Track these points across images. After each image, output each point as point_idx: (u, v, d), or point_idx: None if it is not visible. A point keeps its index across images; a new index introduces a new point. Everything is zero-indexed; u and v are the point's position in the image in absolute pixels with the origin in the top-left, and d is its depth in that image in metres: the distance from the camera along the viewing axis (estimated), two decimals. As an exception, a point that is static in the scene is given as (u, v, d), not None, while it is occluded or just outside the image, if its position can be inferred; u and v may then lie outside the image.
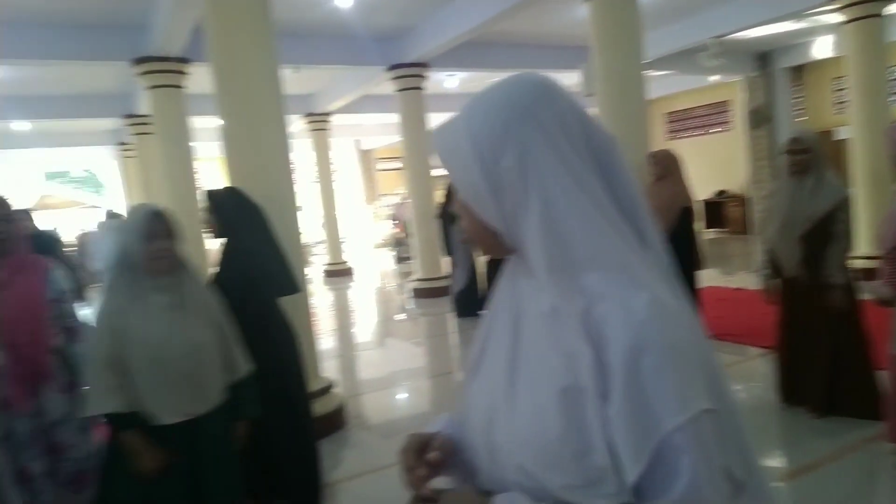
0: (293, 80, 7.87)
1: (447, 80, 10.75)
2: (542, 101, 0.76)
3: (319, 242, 14.91)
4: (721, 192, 13.28)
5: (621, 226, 0.75)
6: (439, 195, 7.68)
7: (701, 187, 9.54)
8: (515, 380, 0.78)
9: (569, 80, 7.14)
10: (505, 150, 0.74)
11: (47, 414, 2.29)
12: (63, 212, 18.24)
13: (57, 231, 14.05)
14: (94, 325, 1.97)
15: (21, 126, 11.71)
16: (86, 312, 2.48)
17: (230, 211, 2.75)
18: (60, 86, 9.52)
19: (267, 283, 2.69)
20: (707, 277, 5.29)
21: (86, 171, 19.21)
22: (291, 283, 2.91)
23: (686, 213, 4.10)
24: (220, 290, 2.63)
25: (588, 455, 0.70)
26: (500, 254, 0.84)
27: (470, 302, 7.09)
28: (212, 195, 2.84)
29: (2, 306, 2.15)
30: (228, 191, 3.03)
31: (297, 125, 11.79)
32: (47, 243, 5.41)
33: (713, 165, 13.00)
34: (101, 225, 10.83)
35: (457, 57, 8.63)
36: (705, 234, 11.28)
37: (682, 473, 0.67)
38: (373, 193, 19.90)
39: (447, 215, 7.08)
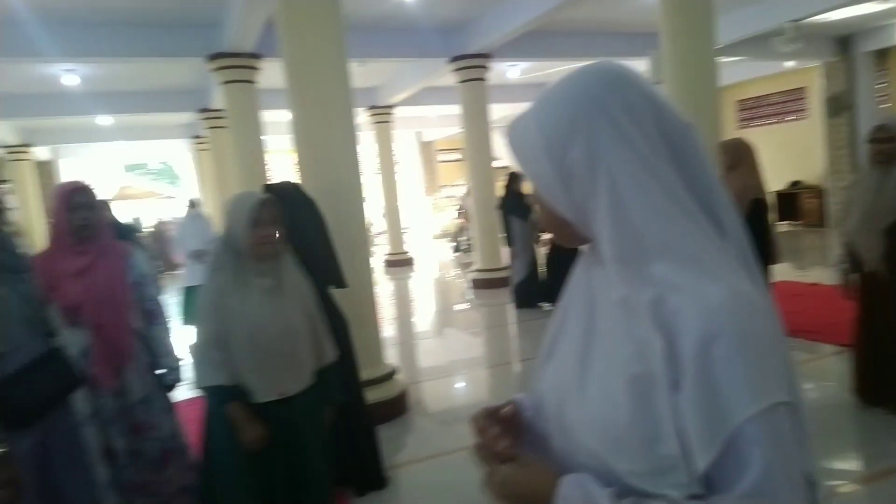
0: (358, 73, 7.99)
1: (509, 71, 10.68)
2: (610, 91, 0.76)
3: (380, 233, 15.18)
4: (796, 183, 12.68)
5: (696, 214, 0.74)
6: (500, 186, 7.66)
7: (774, 178, 9.16)
8: (587, 366, 0.79)
9: (636, 68, 6.97)
10: (573, 142, 0.75)
11: (131, 393, 2.37)
12: (141, 202, 19.23)
13: (138, 221, 14.91)
14: (200, 304, 2.05)
15: (104, 121, 12.43)
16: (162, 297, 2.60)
17: (286, 204, 2.88)
18: (140, 82, 10.06)
19: (319, 275, 2.78)
20: (780, 272, 5.10)
21: (162, 163, 20.22)
22: (339, 277, 3.02)
23: (758, 206, 3.96)
24: None
25: (657, 443, 0.70)
26: (575, 243, 0.85)
27: (529, 293, 7.07)
28: (270, 189, 2.96)
29: (87, 289, 2.25)
30: (285, 185, 3.15)
31: (360, 118, 12.02)
32: (124, 233, 5.76)
33: (787, 155, 12.42)
34: (184, 214, 11.30)
35: (519, 47, 8.56)
36: (778, 227, 10.82)
37: (753, 466, 0.66)
38: (433, 185, 20.06)
39: (508, 206, 7.07)
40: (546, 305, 7.04)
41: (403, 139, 18.06)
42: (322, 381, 2.16)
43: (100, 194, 2.43)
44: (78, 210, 2.27)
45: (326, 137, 3.87)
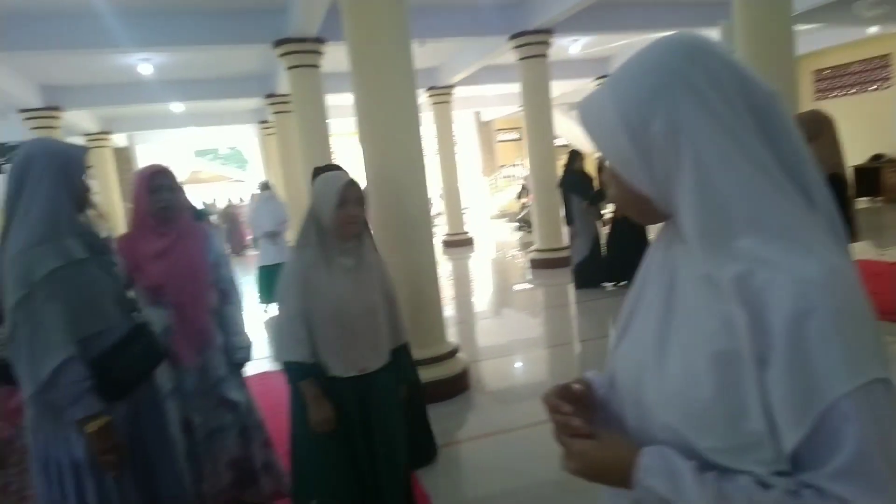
0: (418, 54, 8.02)
1: (571, 46, 10.46)
2: (691, 61, 0.73)
3: (438, 214, 15.27)
4: (877, 157, 11.93)
5: (785, 186, 0.72)
6: (560, 164, 7.56)
7: (854, 152, 8.65)
8: (666, 343, 0.79)
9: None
10: (654, 115, 0.73)
11: (211, 370, 2.44)
12: (211, 186, 20.02)
13: (212, 205, 15.55)
14: (285, 280, 2.08)
15: (176, 107, 12.97)
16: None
17: None
18: (210, 69, 10.42)
19: None
20: (860, 250, 4.85)
21: (231, 148, 20.94)
22: None
23: (836, 181, 3.77)
24: None
25: (742, 419, 0.69)
26: (653, 220, 0.84)
27: (590, 273, 7.00)
28: (315, 172, 3.07)
29: (168, 270, 2.30)
30: (333, 167, 3.24)
31: (420, 99, 12.04)
32: (197, 217, 6.01)
33: (869, 127, 11.68)
34: (255, 196, 11.67)
35: (581, 21, 8.35)
36: (858, 204, 10.23)
37: (847, 443, 0.64)
38: (491, 165, 19.96)
39: (568, 184, 6.98)
40: (608, 285, 6.96)
41: (462, 119, 18.02)
42: (397, 359, 2.20)
43: (173, 174, 2.46)
44: (158, 192, 2.32)
45: (389, 119, 3.93)
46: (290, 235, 6.87)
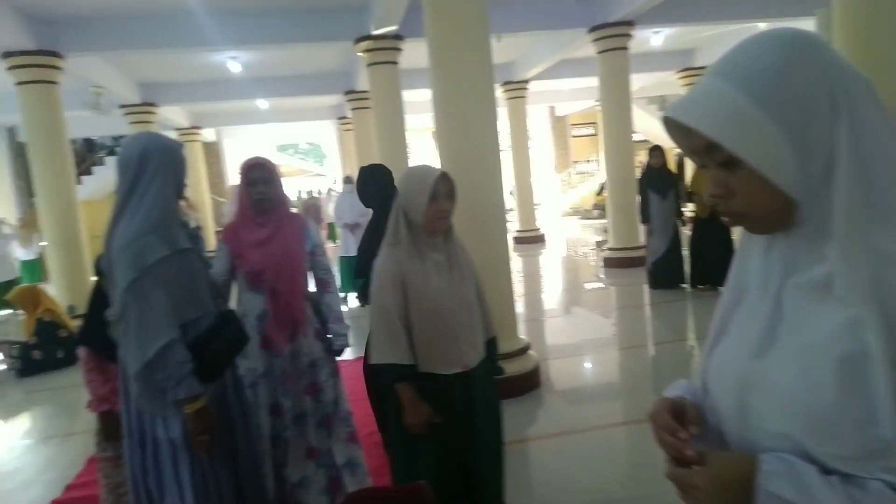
0: (494, 48, 8.03)
1: (653, 38, 10.15)
2: (825, 50, 0.71)
3: (509, 210, 15.18)
4: None
5: None
6: (639, 160, 7.36)
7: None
8: (774, 348, 0.76)
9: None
10: (814, 108, 0.69)
11: (302, 356, 2.48)
12: (291, 179, 20.72)
13: (300, 197, 16.07)
14: (379, 277, 2.02)
15: (261, 104, 13.53)
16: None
17: (371, 187, 3.06)
18: (293, 67, 10.81)
19: None
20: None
21: (310, 143, 21.60)
22: None
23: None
24: (361, 257, 2.87)
25: (871, 425, 0.66)
26: (773, 228, 0.78)
27: (666, 273, 6.79)
28: (364, 171, 3.14)
29: (267, 258, 2.38)
30: (378, 167, 3.28)
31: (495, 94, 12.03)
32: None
33: None
34: (339, 189, 11.99)
35: (664, 12, 8.09)
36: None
37: None
38: (565, 160, 19.66)
39: (647, 181, 6.78)
40: (687, 287, 6.73)
41: (535, 114, 17.84)
42: (489, 353, 2.17)
43: (277, 170, 2.51)
44: (255, 185, 2.41)
45: (467, 114, 3.96)
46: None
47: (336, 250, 7.88)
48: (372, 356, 2.05)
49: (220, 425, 1.93)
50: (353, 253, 6.92)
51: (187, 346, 1.83)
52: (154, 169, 1.86)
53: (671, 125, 0.79)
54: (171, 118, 13.02)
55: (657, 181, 6.67)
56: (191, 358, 1.82)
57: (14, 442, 4.29)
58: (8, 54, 6.82)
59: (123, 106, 10.90)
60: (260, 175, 2.42)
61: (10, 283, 7.61)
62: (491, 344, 2.19)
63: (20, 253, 10.28)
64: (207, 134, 16.22)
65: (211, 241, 12.77)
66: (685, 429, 0.82)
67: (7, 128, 13.98)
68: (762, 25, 10.77)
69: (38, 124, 7.15)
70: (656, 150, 6.77)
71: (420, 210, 1.95)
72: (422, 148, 19.59)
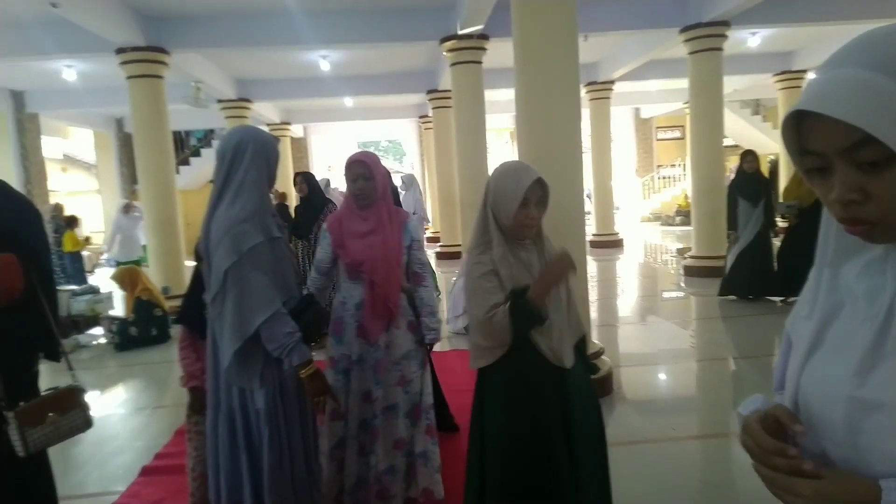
0: (579, 48, 7.95)
1: (750, 39, 9.68)
2: None
3: (587, 213, 14.90)
4: None
5: None
6: (729, 166, 7.04)
7: None
8: (888, 363, 0.72)
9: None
10: None
11: (395, 347, 2.53)
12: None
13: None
14: (472, 279, 1.95)
15: (347, 102, 13.93)
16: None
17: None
18: (379, 66, 11.07)
19: None
20: None
21: (390, 140, 22.08)
22: None
23: None
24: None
25: None
26: None
27: (742, 282, 6.51)
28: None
29: (366, 250, 2.46)
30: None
31: (577, 94, 11.86)
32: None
33: None
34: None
35: (762, 12, 7.72)
36: None
37: None
38: (648, 164, 19.09)
39: (737, 187, 6.46)
40: (777, 300, 6.39)
41: (619, 116, 17.43)
42: (581, 353, 2.11)
43: (380, 166, 2.55)
44: (356, 181, 2.48)
45: (550, 115, 3.92)
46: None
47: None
48: (472, 363, 1.99)
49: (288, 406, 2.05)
50: None
51: None
52: (249, 160, 1.97)
53: (788, 125, 0.74)
54: (263, 114, 13.64)
55: (749, 187, 6.34)
56: (297, 328, 1.94)
57: (110, 411, 4.63)
58: (120, 50, 7.37)
59: (220, 101, 11.52)
60: (360, 171, 2.48)
61: (136, 263, 8.20)
62: (581, 343, 2.13)
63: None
64: (296, 130, 16.87)
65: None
66: (788, 441, 0.78)
67: (116, 119, 15.08)
68: (866, 26, 10.01)
69: (145, 116, 7.69)
70: (749, 155, 6.44)
71: (508, 214, 1.87)
72: (499, 148, 19.57)
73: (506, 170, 1.96)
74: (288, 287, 2.04)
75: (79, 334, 6.52)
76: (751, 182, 6.36)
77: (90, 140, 15.79)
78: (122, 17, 6.92)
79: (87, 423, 2.09)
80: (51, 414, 1.93)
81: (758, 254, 6.43)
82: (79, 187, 19.33)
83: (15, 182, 11.00)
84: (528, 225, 1.89)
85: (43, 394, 2.01)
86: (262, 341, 1.92)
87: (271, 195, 2.37)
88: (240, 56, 9.49)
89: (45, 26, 7.24)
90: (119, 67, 7.59)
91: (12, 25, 7.31)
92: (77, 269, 9.80)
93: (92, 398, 5.01)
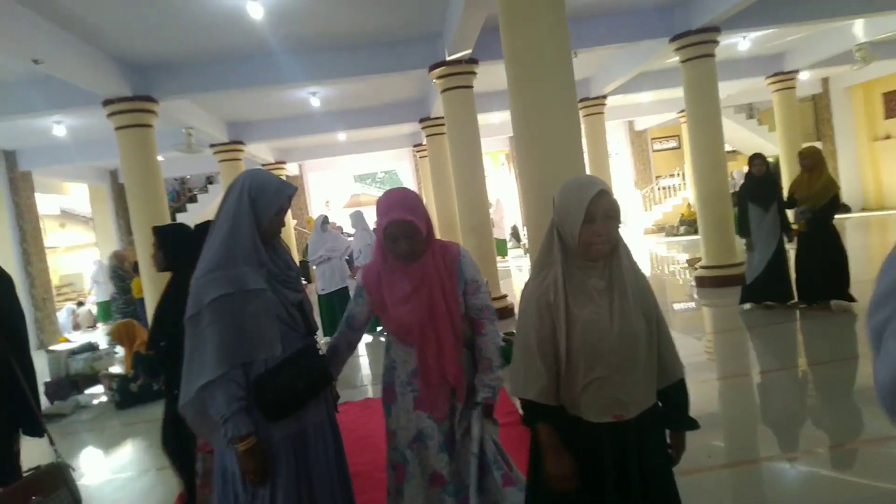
0: (570, 66, 7.91)
1: (741, 43, 9.63)
2: None
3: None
4: None
5: None
6: (729, 171, 6.87)
7: None
8: None
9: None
10: None
11: (457, 422, 2.15)
12: (371, 208, 21.22)
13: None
14: (525, 305, 1.76)
15: (340, 136, 13.90)
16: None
17: (176, 247, 2.75)
18: (369, 99, 11.05)
19: None
20: None
21: (385, 172, 22.09)
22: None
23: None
24: (157, 322, 2.60)
25: None
26: None
27: (764, 290, 6.29)
28: (160, 231, 2.83)
29: (412, 314, 2.06)
30: (176, 227, 2.98)
31: (570, 112, 11.81)
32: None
33: None
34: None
35: (752, 15, 7.67)
36: None
37: None
38: (646, 176, 19.00)
39: (747, 192, 6.28)
40: (800, 305, 6.17)
41: (613, 130, 17.40)
42: (667, 401, 1.80)
43: (421, 210, 2.06)
44: (397, 241, 2.02)
45: (549, 134, 3.79)
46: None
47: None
48: (512, 389, 1.79)
49: (300, 464, 1.86)
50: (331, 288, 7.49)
51: (252, 383, 1.79)
52: (234, 202, 1.83)
53: None
54: (257, 155, 13.60)
55: (759, 192, 6.14)
56: (243, 397, 1.76)
57: (113, 475, 4.41)
58: (108, 101, 7.30)
59: (213, 145, 11.47)
60: (401, 231, 2.00)
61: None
62: (673, 390, 1.80)
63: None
64: (291, 168, 16.84)
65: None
66: None
67: (110, 171, 15.06)
68: (858, 22, 10.00)
69: (135, 166, 7.59)
70: (757, 158, 6.23)
71: (573, 233, 1.66)
72: (495, 171, 19.54)
73: (569, 184, 1.76)
74: (267, 342, 1.83)
75: (79, 394, 6.31)
76: (761, 186, 6.16)
77: (86, 194, 15.77)
78: (107, 69, 6.85)
79: (75, 502, 1.91)
80: (34, 497, 1.74)
81: (783, 260, 6.22)
82: (77, 241, 19.29)
83: (10, 242, 10.90)
84: (595, 243, 1.66)
85: (25, 475, 1.81)
86: (206, 404, 1.78)
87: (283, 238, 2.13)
88: (229, 99, 9.45)
89: (32, 84, 7.21)
90: (107, 119, 7.52)
91: (-1, 85, 7.27)
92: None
93: (94, 461, 4.78)
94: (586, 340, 1.65)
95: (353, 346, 2.28)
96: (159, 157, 7.69)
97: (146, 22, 6.13)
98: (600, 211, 1.65)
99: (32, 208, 11.64)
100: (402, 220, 1.98)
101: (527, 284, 1.81)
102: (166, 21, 6.17)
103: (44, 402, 5.42)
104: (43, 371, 4.96)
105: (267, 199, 1.88)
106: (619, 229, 1.73)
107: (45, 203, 15.13)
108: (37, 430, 1.96)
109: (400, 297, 2.07)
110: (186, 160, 12.32)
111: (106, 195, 15.25)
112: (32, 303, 10.90)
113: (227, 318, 1.75)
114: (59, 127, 9.32)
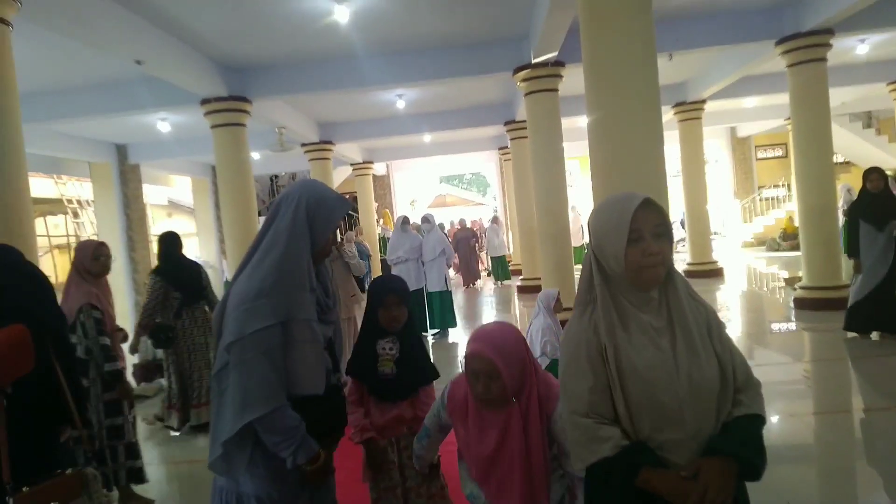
0: (664, 68, 7.49)
1: (858, 47, 8.80)
2: None
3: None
4: None
5: None
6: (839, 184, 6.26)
7: None
8: None
9: None
10: None
11: None
12: (455, 209, 21.30)
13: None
14: (566, 355, 1.47)
15: (426, 138, 14.02)
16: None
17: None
18: (455, 101, 11.05)
19: None
20: None
21: (473, 173, 22.07)
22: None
23: None
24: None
25: None
26: None
27: (868, 317, 5.70)
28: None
29: (493, 467, 1.79)
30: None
31: (666, 116, 11.27)
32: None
33: None
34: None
35: (870, 16, 6.97)
36: None
37: None
38: (747, 186, 17.84)
39: (859, 208, 5.69)
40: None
41: (713, 136, 16.48)
42: (727, 426, 1.41)
43: (510, 351, 1.71)
44: (478, 378, 1.72)
45: (626, 141, 3.57)
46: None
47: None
48: (574, 464, 1.47)
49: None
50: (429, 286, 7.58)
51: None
52: (290, 218, 1.64)
53: None
54: (346, 154, 13.96)
55: (873, 209, 5.52)
56: (298, 417, 1.66)
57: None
58: (205, 101, 7.70)
59: (304, 144, 11.88)
60: (481, 367, 1.69)
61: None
62: (746, 428, 1.39)
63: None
64: (378, 167, 17.18)
65: (376, 269, 13.32)
66: None
67: (211, 165, 15.96)
68: None
69: (228, 163, 7.98)
70: (874, 173, 5.59)
71: (617, 255, 1.36)
72: (585, 177, 19.01)
73: (605, 199, 1.46)
74: (312, 379, 1.69)
75: (161, 378, 6.66)
76: (875, 203, 5.54)
77: (190, 186, 16.78)
78: (204, 70, 7.22)
79: None
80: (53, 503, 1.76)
81: (894, 286, 5.60)
82: (182, 230, 20.59)
83: (118, 229, 11.77)
84: (647, 265, 1.34)
85: (53, 477, 1.83)
86: (259, 433, 1.63)
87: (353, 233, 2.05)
88: (319, 100, 9.74)
89: (140, 83, 7.71)
90: (203, 118, 7.94)
91: (111, 84, 7.85)
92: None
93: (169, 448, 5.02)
94: (651, 393, 1.35)
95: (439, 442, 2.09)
96: (254, 155, 8.03)
97: (241, 25, 6.40)
98: (650, 227, 1.36)
99: (139, 199, 12.52)
100: (480, 355, 1.69)
101: (567, 328, 1.51)
102: (259, 25, 6.41)
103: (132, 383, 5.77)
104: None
105: (325, 215, 1.69)
106: (673, 249, 1.43)
107: (155, 194, 16.24)
108: (84, 424, 2.02)
109: (482, 455, 1.79)
110: (276, 158, 12.82)
111: (207, 189, 16.17)
112: (134, 287, 11.73)
113: (274, 350, 1.61)
114: (163, 123, 9.96)
